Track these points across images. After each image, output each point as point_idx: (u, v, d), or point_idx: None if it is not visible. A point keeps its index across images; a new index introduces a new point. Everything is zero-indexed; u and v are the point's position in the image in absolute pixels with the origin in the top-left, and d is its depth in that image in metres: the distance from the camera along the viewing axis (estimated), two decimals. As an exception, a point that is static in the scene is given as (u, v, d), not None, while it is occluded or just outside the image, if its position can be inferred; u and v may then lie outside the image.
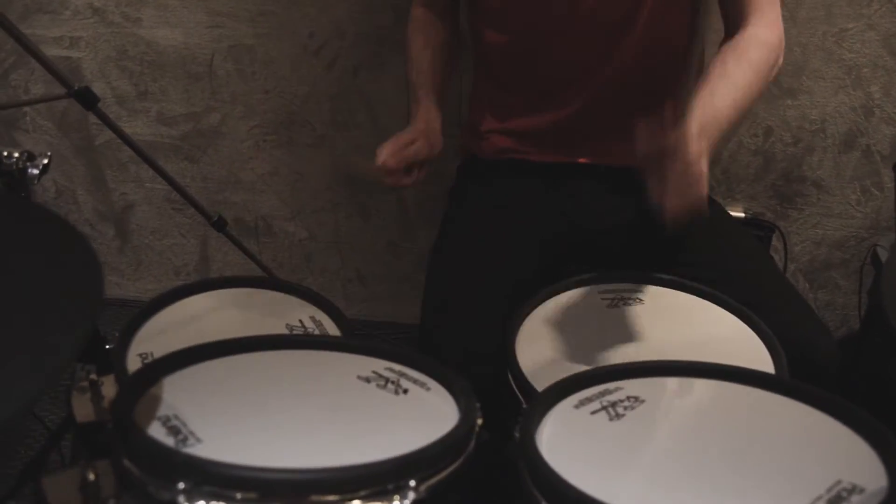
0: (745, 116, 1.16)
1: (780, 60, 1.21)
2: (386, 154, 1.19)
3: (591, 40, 1.24)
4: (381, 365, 0.85)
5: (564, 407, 0.80)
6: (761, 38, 1.19)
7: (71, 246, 0.69)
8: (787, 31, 1.60)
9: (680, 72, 1.30)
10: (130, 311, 1.05)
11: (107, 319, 2.01)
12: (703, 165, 1.00)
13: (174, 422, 0.72)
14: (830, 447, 0.74)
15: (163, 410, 0.73)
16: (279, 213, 1.93)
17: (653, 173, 1.00)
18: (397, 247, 1.93)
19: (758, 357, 1.08)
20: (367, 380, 0.82)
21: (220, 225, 1.69)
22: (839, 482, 0.67)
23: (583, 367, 0.90)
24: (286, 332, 1.08)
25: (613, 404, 0.80)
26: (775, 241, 1.80)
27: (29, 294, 0.66)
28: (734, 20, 1.22)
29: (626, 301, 1.21)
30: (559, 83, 1.30)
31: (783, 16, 1.58)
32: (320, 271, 1.99)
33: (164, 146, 1.87)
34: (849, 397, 1.20)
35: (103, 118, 1.55)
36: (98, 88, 1.78)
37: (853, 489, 0.66)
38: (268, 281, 1.21)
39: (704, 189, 1.00)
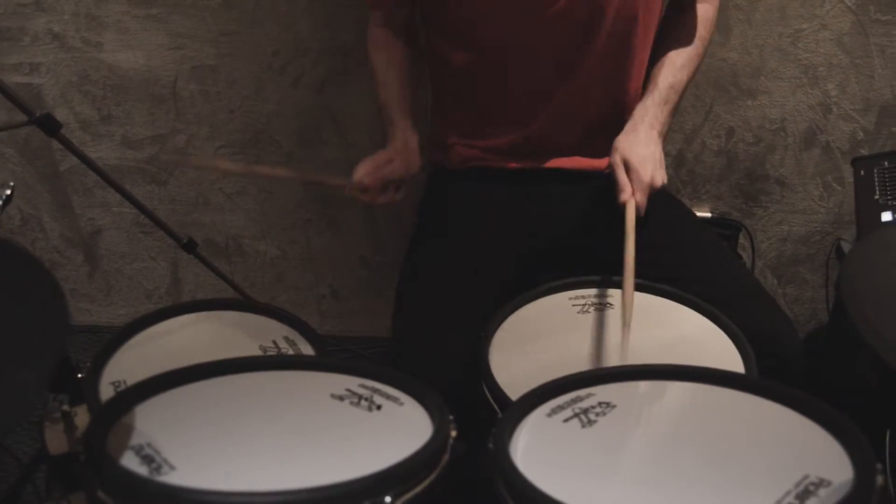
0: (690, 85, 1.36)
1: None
2: (362, 172, 1.20)
3: (553, 58, 1.27)
4: (354, 382, 0.85)
5: (538, 416, 0.81)
6: (707, 15, 1.34)
7: (35, 279, 0.69)
8: (743, 33, 1.66)
9: (640, 78, 1.33)
10: (102, 338, 1.04)
11: (79, 346, 1.99)
12: (658, 153, 1.19)
13: (147, 450, 0.72)
14: (798, 443, 0.75)
15: (136, 439, 0.73)
16: (249, 232, 1.92)
17: (619, 177, 1.15)
18: (369, 261, 1.93)
19: (727, 356, 1.10)
20: (341, 398, 0.82)
21: (189, 247, 1.68)
22: (807, 476, 0.68)
23: (556, 375, 0.91)
24: (260, 353, 1.08)
25: (585, 411, 0.81)
26: (742, 239, 1.83)
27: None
28: (681, 5, 1.34)
29: (596, 306, 1.22)
30: (520, 101, 1.31)
31: (739, 18, 1.64)
32: (293, 288, 1.98)
33: (131, 169, 1.85)
34: (818, 389, 1.22)
35: (66, 144, 1.53)
36: (61, 114, 1.78)
37: (820, 483, 0.68)
38: (239, 303, 1.21)
39: (663, 173, 1.19)
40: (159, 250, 1.95)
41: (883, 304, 0.85)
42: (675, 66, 1.28)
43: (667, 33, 1.33)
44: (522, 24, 1.24)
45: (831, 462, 0.70)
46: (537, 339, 1.14)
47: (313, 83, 1.74)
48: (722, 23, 1.64)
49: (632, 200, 1.16)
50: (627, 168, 1.18)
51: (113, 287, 2.00)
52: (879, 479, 0.67)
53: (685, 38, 1.31)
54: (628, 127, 1.22)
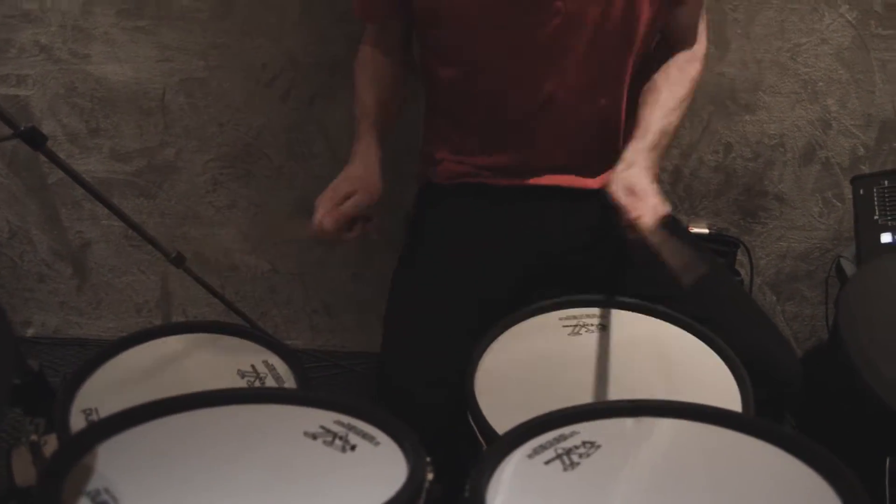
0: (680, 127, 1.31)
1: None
2: (321, 215, 1.14)
3: (542, 78, 1.24)
4: (329, 418, 0.82)
5: (518, 457, 0.78)
6: (697, 54, 1.30)
7: None
8: (741, 47, 1.63)
9: (631, 100, 1.30)
10: (91, 351, 1.01)
11: (67, 359, 1.97)
12: (652, 184, 1.14)
13: (104, 496, 0.68)
14: (790, 487, 0.72)
15: (94, 483, 0.70)
16: (240, 246, 1.89)
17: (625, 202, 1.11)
18: (360, 276, 1.91)
19: (723, 383, 1.07)
20: (314, 436, 0.79)
21: (178, 261, 1.65)
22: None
23: (543, 403, 0.87)
24: (237, 378, 1.05)
25: (568, 452, 0.77)
26: (740, 256, 1.79)
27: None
28: (673, 40, 1.30)
29: (587, 328, 1.19)
30: (509, 119, 1.29)
31: (737, 33, 1.61)
32: (285, 303, 1.95)
33: (119, 182, 1.83)
34: (815, 410, 1.18)
35: (52, 157, 1.51)
36: (48, 126, 1.76)
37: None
38: (217, 325, 1.18)
39: (658, 201, 1.12)
40: (149, 263, 1.93)
41: (881, 342, 0.82)
42: (667, 108, 1.23)
43: (658, 71, 1.28)
44: (514, 43, 1.21)
45: None
46: (525, 365, 1.11)
47: (303, 97, 1.72)
48: (719, 37, 1.61)
49: (643, 217, 1.09)
50: (633, 194, 1.12)
51: (102, 300, 1.98)
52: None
53: (676, 80, 1.26)
54: (622, 166, 1.17)
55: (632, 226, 1.09)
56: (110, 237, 1.91)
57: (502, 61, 1.24)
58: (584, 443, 0.79)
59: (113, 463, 0.73)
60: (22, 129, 1.50)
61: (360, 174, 1.20)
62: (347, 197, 1.16)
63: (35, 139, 1.51)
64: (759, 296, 1.86)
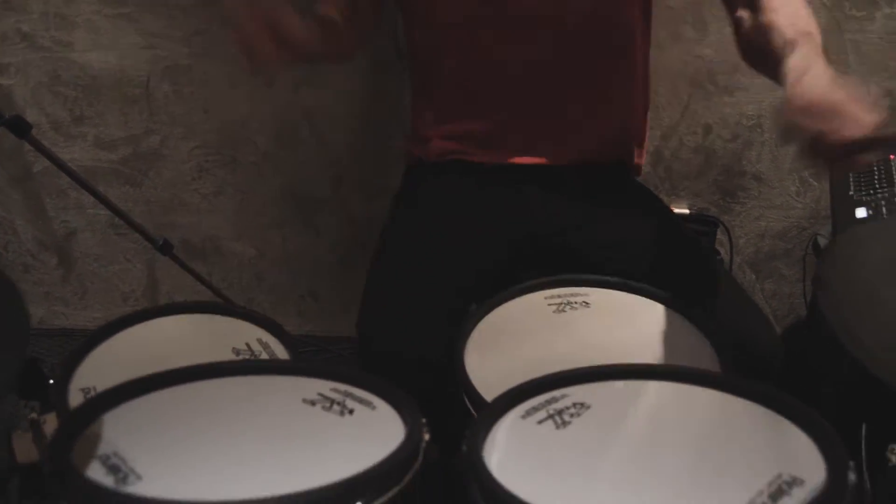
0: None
1: None
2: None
3: (524, 37, 1.25)
4: (326, 386, 0.84)
5: (512, 418, 0.80)
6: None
7: None
8: (720, 29, 1.65)
9: (624, 69, 1.31)
10: (77, 341, 1.02)
11: (53, 350, 1.96)
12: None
13: (114, 460, 0.70)
14: (773, 441, 0.75)
15: (102, 449, 0.71)
16: (226, 233, 1.90)
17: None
18: (347, 261, 1.92)
19: (703, 353, 1.10)
20: (313, 402, 0.81)
21: (166, 249, 1.66)
22: (780, 476, 0.68)
23: (532, 375, 0.90)
24: (232, 356, 1.06)
25: (560, 412, 0.80)
26: (720, 235, 1.83)
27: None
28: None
29: (572, 305, 1.22)
30: (493, 83, 1.29)
31: (715, 15, 1.64)
32: (271, 290, 1.96)
33: (105, 171, 1.83)
34: (795, 384, 1.22)
35: (37, 146, 1.51)
36: (32, 115, 1.75)
37: (793, 481, 0.67)
38: (210, 305, 1.19)
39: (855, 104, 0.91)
40: (135, 252, 1.93)
41: (859, 308, 0.85)
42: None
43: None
44: (489, 11, 1.23)
45: (805, 460, 0.70)
46: (513, 339, 1.13)
47: (288, 83, 1.72)
48: (698, 19, 1.64)
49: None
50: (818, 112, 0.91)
51: (88, 290, 1.98)
52: (852, 478, 0.67)
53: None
54: (791, 78, 0.96)
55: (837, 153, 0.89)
56: (96, 226, 1.91)
57: (481, 20, 1.24)
58: (574, 404, 0.81)
59: (120, 430, 0.75)
60: (6, 117, 1.51)
61: None
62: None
63: (20, 128, 1.51)
64: (739, 274, 1.89)
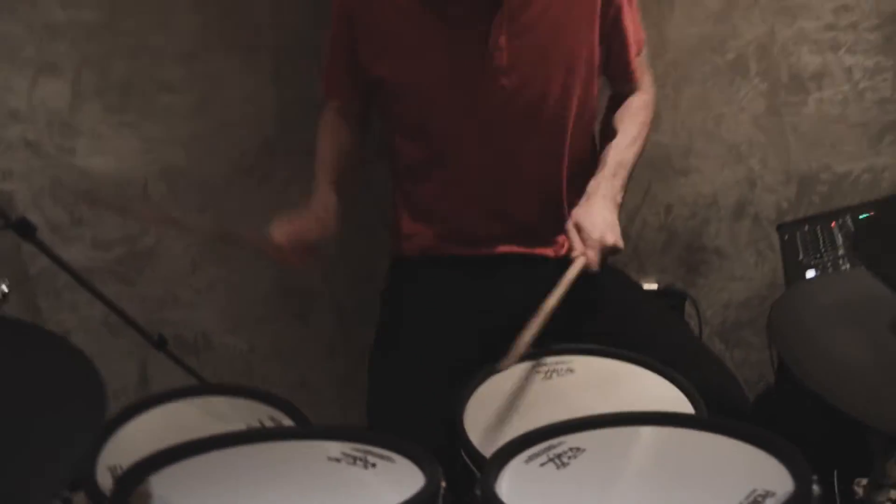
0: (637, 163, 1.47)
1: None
2: (281, 233, 1.27)
3: (499, 143, 1.39)
4: (347, 446, 0.91)
5: (516, 463, 0.88)
6: (647, 101, 1.50)
7: (82, 375, 0.74)
8: (672, 117, 1.82)
9: (587, 162, 1.46)
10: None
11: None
12: (614, 212, 1.31)
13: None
14: (747, 465, 0.87)
15: (155, 504, 0.77)
16: (218, 326, 1.95)
17: (572, 239, 1.27)
18: (337, 351, 1.98)
19: (680, 407, 1.19)
20: (338, 460, 0.88)
21: (161, 344, 1.71)
22: (755, 490, 0.79)
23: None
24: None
25: (559, 455, 0.89)
26: (689, 308, 1.93)
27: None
28: (623, 88, 1.49)
29: (558, 372, 1.31)
30: (466, 191, 1.43)
31: (667, 106, 1.81)
32: (263, 381, 2.00)
33: (100, 271, 1.87)
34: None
35: (41, 247, 1.58)
36: (32, 218, 1.78)
37: (766, 494, 0.78)
38: (221, 387, 1.26)
39: (615, 235, 1.28)
40: (128, 350, 1.96)
41: (808, 349, 0.96)
42: (621, 147, 1.41)
43: (608, 124, 1.47)
44: (464, 117, 1.37)
45: (775, 477, 0.82)
46: (506, 405, 1.21)
47: (278, 180, 1.83)
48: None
49: (581, 257, 1.26)
50: (580, 231, 1.29)
51: (80, 388, 2.00)
52: (816, 489, 0.77)
53: (629, 123, 1.45)
54: (583, 200, 1.33)
55: (577, 261, 1.24)
56: (89, 325, 1.94)
57: (454, 134, 1.39)
58: (570, 448, 0.90)
59: (162, 491, 0.81)
60: (12, 220, 1.58)
61: (317, 210, 1.34)
62: (301, 224, 1.30)
63: (25, 230, 1.59)
64: (709, 344, 1.99)
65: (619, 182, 1.37)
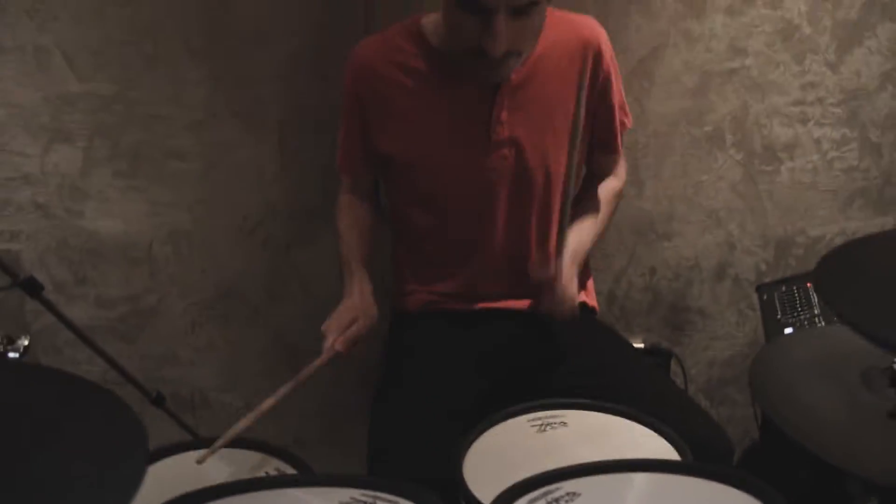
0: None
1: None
2: (332, 339, 1.35)
3: (486, 216, 1.49)
4: (356, 493, 0.95)
5: (517, 507, 0.93)
6: (617, 187, 1.60)
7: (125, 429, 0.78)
8: (654, 185, 1.93)
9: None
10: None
11: None
12: (574, 286, 1.39)
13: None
14: None
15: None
16: (215, 385, 1.99)
17: (541, 292, 1.37)
18: (332, 408, 2.01)
19: (668, 457, 1.25)
20: (348, 504, 0.93)
21: (158, 401, 1.74)
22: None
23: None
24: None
25: (556, 500, 0.94)
26: (674, 366, 2.00)
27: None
28: (599, 172, 1.59)
29: (551, 425, 1.36)
30: (463, 253, 1.52)
31: (650, 175, 1.92)
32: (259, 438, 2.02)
33: (102, 329, 1.92)
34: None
35: (48, 306, 1.62)
36: (37, 277, 1.85)
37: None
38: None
39: (575, 301, 1.38)
40: (125, 407, 1.99)
41: (786, 400, 1.03)
42: (582, 233, 1.50)
43: (579, 204, 1.55)
44: (465, 186, 1.46)
45: None
46: (502, 458, 1.26)
47: (281, 243, 1.90)
48: (635, 178, 1.91)
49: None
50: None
51: (76, 447, 2.01)
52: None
53: (592, 210, 1.55)
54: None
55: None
56: (88, 383, 1.97)
57: (459, 202, 1.49)
58: (567, 493, 0.95)
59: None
60: (21, 278, 1.63)
61: (359, 303, 1.40)
62: (351, 323, 1.36)
63: (32, 288, 1.63)
64: (696, 401, 2.05)
65: (574, 269, 1.44)
